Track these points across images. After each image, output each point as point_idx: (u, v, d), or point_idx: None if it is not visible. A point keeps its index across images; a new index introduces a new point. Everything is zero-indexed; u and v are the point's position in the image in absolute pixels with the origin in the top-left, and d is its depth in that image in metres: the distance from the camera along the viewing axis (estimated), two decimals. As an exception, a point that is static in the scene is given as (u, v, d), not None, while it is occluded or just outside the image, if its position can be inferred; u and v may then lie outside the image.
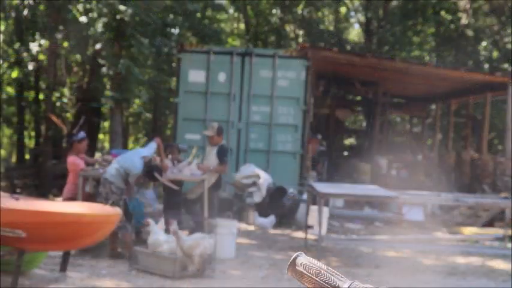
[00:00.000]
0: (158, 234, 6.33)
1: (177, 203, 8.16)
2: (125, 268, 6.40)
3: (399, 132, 20.08)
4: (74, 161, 7.40)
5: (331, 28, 23.15)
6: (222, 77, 12.02)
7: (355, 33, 27.14)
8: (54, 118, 9.99)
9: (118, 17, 11.06)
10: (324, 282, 1.27)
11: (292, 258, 1.31)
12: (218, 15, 21.64)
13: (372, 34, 21.28)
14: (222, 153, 7.86)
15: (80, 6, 13.40)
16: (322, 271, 1.29)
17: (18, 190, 13.13)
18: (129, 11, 10.98)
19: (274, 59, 11.98)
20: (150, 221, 6.49)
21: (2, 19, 15.23)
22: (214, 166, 7.84)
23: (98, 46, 13.54)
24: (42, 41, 14.19)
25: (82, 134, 7.70)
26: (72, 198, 7.21)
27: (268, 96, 12.01)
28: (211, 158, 7.91)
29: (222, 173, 7.93)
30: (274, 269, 6.77)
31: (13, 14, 14.94)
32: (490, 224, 11.36)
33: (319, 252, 7.28)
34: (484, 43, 22.42)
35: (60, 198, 11.80)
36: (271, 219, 10.18)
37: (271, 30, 22.52)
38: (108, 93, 13.03)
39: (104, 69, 11.91)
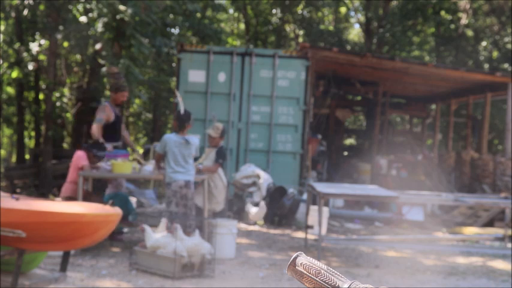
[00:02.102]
0: (155, 237, 6.29)
1: None
2: (125, 268, 6.40)
3: (399, 132, 20.07)
4: (80, 155, 7.39)
5: (331, 28, 23.16)
6: (222, 77, 12.02)
7: (355, 33, 27.15)
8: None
9: (118, 17, 11.05)
10: (324, 282, 1.27)
11: (292, 258, 1.31)
12: (218, 15, 21.65)
13: (372, 34, 21.29)
14: (220, 154, 7.87)
15: (80, 6, 13.41)
16: (322, 271, 1.29)
17: (18, 190, 13.13)
18: (129, 11, 10.98)
19: (274, 59, 11.99)
20: (145, 226, 6.45)
21: (2, 19, 15.24)
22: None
23: (98, 46, 13.54)
24: (42, 41, 14.20)
25: (103, 153, 7.58)
26: (71, 197, 7.21)
27: (268, 96, 12.02)
28: (210, 158, 7.92)
29: (212, 172, 7.84)
30: (274, 269, 6.77)
31: (13, 14, 14.94)
32: (490, 224, 11.37)
33: (319, 252, 7.28)
34: (484, 43, 22.43)
35: (59, 198, 11.82)
36: (262, 204, 10.03)
37: (271, 30, 22.54)
38: (108, 93, 13.03)
39: (104, 69, 11.90)
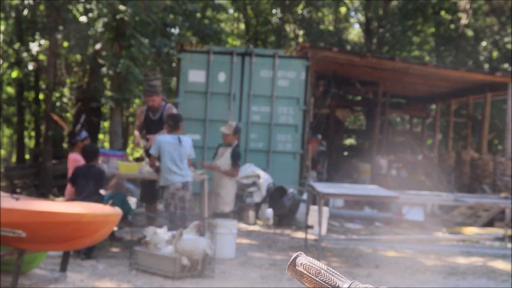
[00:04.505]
0: (160, 237, 6.29)
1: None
2: (125, 268, 6.40)
3: (399, 132, 20.08)
4: (75, 158, 7.38)
5: (331, 28, 23.16)
6: (222, 77, 12.02)
7: (355, 33, 27.15)
8: (55, 117, 10.01)
9: (118, 17, 11.05)
10: (324, 282, 1.27)
11: (292, 258, 1.31)
12: (218, 15, 21.65)
13: (372, 34, 21.29)
14: (236, 156, 7.78)
15: (80, 6, 13.40)
16: (322, 271, 1.29)
17: (18, 190, 13.13)
18: (129, 11, 10.98)
19: (274, 59, 11.99)
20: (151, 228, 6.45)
21: (2, 19, 15.23)
22: (225, 168, 7.80)
23: (98, 46, 13.53)
24: (42, 41, 14.19)
25: (84, 133, 7.65)
26: (75, 199, 7.19)
27: (268, 96, 12.02)
28: (224, 159, 7.85)
29: (233, 176, 7.85)
30: (274, 269, 6.77)
31: (13, 14, 14.94)
32: (490, 224, 11.37)
33: (319, 252, 7.27)
34: (484, 43, 22.43)
35: (60, 198, 11.82)
36: (270, 211, 10.21)
37: (271, 30, 22.53)
38: (108, 93, 13.02)
39: (104, 69, 11.90)
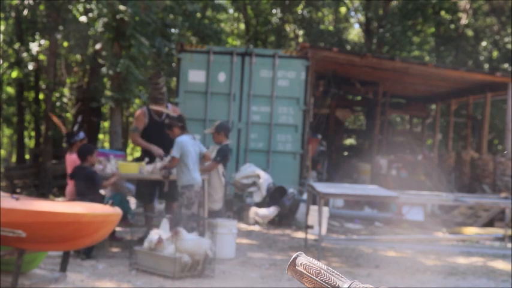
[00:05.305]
0: (162, 236, 6.29)
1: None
2: (125, 268, 6.40)
3: (399, 132, 20.08)
4: (75, 158, 7.39)
5: (331, 28, 23.16)
6: (222, 77, 12.02)
7: (355, 33, 27.15)
8: (54, 118, 10.02)
9: (118, 17, 11.05)
10: (324, 282, 1.27)
11: (292, 258, 1.31)
12: (218, 15, 21.65)
13: (372, 34, 21.29)
14: (219, 153, 7.78)
15: (80, 6, 13.40)
16: (322, 271, 1.29)
17: (18, 190, 13.13)
18: (129, 11, 10.98)
19: (274, 59, 11.99)
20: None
21: (2, 19, 15.23)
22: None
23: (98, 46, 13.53)
24: (42, 41, 14.19)
25: (82, 134, 7.69)
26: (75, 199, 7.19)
27: (268, 96, 12.02)
28: (212, 157, 7.90)
29: (208, 170, 7.74)
30: (274, 269, 6.77)
31: (13, 14, 14.94)
32: (490, 224, 11.37)
33: (319, 252, 7.27)
34: (484, 43, 22.43)
35: (60, 198, 11.82)
36: (273, 209, 10.17)
37: (271, 30, 22.53)
38: (108, 93, 13.02)
39: (104, 69, 11.89)
